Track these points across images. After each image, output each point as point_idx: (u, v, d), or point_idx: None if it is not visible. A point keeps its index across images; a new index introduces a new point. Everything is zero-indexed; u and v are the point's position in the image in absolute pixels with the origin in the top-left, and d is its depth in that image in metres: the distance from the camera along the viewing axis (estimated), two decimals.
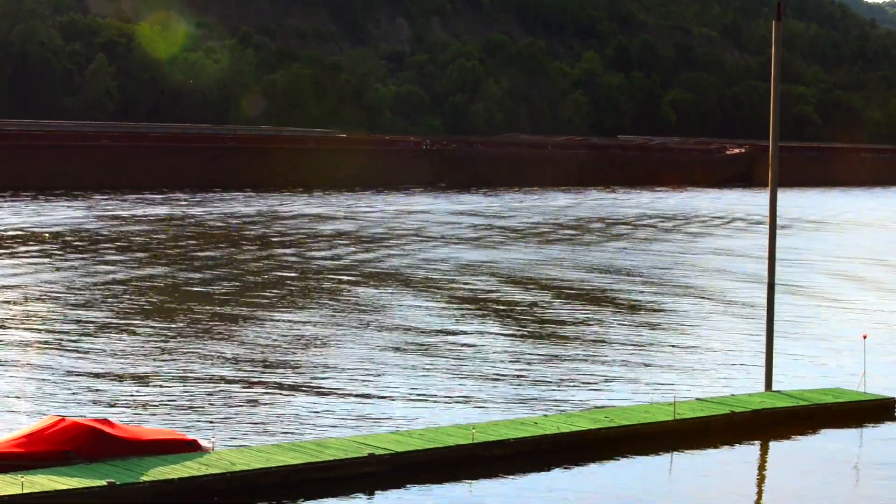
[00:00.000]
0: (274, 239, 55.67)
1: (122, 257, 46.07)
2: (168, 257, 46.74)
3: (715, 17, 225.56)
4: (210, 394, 23.02)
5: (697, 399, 22.59)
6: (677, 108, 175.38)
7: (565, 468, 18.94)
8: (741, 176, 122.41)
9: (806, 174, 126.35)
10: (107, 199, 77.52)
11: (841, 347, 29.96)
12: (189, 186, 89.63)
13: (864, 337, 25.36)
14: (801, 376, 25.89)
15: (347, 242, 54.20)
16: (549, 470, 18.79)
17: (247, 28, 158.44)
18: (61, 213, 65.92)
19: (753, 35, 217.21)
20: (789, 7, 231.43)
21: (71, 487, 16.07)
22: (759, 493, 18.73)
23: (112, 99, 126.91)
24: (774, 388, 23.60)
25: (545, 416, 21.18)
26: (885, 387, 24.32)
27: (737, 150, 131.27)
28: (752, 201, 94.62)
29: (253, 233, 58.59)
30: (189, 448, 17.96)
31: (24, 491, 15.80)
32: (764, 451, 20.87)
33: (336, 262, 45.97)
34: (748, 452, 20.69)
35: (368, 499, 17.28)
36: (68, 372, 24.58)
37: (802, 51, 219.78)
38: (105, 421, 18.01)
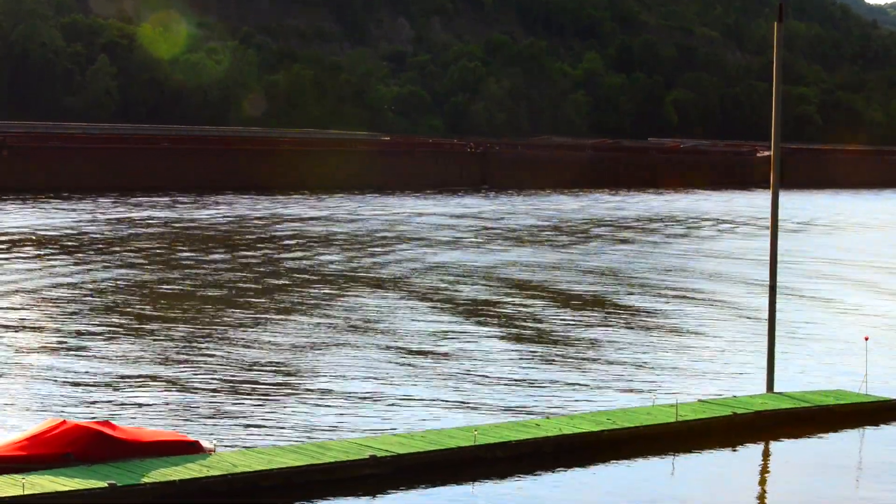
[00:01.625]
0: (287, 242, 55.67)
1: (139, 259, 46.11)
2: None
3: (716, 17, 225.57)
4: (212, 396, 23.02)
5: (699, 400, 22.58)
6: (679, 109, 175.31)
7: (567, 470, 18.93)
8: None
9: (836, 175, 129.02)
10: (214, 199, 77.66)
11: (842, 349, 29.94)
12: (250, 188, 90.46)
13: (866, 338, 25.36)
14: (802, 378, 25.88)
15: (409, 246, 53.88)
16: (550, 472, 18.77)
17: (248, 28, 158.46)
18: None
19: (754, 35, 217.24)
20: (790, 7, 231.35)
21: (72, 489, 16.07)
22: (761, 494, 18.72)
23: (112, 99, 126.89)
24: (776, 389, 23.59)
25: (547, 417, 21.17)
26: (886, 388, 24.31)
27: (767, 153, 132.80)
28: (788, 203, 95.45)
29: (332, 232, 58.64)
30: (191, 449, 17.95)
31: (25, 492, 15.79)
32: (765, 452, 20.86)
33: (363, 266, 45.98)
34: (750, 454, 20.68)
35: (370, 501, 17.26)
36: (70, 374, 24.57)
37: (803, 51, 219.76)
38: (106, 423, 17.99)
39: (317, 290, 37.99)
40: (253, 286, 38.98)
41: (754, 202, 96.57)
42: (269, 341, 28.65)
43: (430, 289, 39.03)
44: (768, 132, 24.35)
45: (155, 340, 28.43)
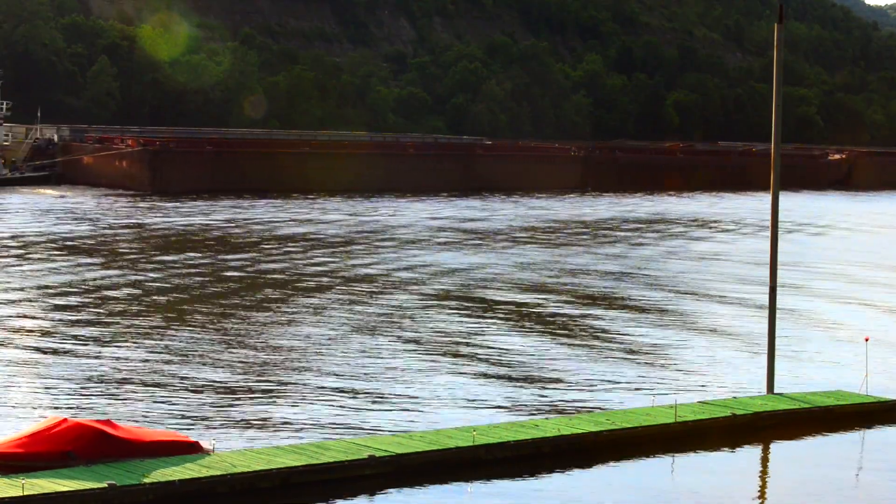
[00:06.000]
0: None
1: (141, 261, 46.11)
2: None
3: (717, 18, 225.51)
4: (212, 396, 23.01)
5: (699, 401, 22.56)
6: (679, 110, 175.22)
7: (566, 471, 18.91)
8: (841, 180, 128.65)
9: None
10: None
11: (843, 350, 29.90)
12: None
13: (867, 339, 25.35)
14: (803, 379, 25.85)
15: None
16: (549, 473, 18.76)
17: (249, 29, 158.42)
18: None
19: (755, 37, 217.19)
20: (791, 9, 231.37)
21: (71, 489, 16.06)
22: (761, 495, 18.70)
23: (114, 100, 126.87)
24: (776, 390, 23.57)
25: (546, 418, 21.16)
26: (887, 389, 24.30)
27: (838, 157, 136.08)
28: (866, 204, 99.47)
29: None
30: (190, 449, 17.96)
31: (25, 493, 15.79)
32: (765, 453, 20.85)
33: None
34: (749, 454, 20.67)
35: (369, 501, 17.26)
36: (71, 373, 24.57)
37: (804, 52, 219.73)
38: (107, 422, 18.01)
39: (317, 293, 37.99)
40: (252, 289, 38.98)
41: (823, 204, 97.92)
42: (269, 343, 28.64)
43: (449, 286, 39.06)
44: (769, 133, 24.29)
45: (156, 341, 28.41)
